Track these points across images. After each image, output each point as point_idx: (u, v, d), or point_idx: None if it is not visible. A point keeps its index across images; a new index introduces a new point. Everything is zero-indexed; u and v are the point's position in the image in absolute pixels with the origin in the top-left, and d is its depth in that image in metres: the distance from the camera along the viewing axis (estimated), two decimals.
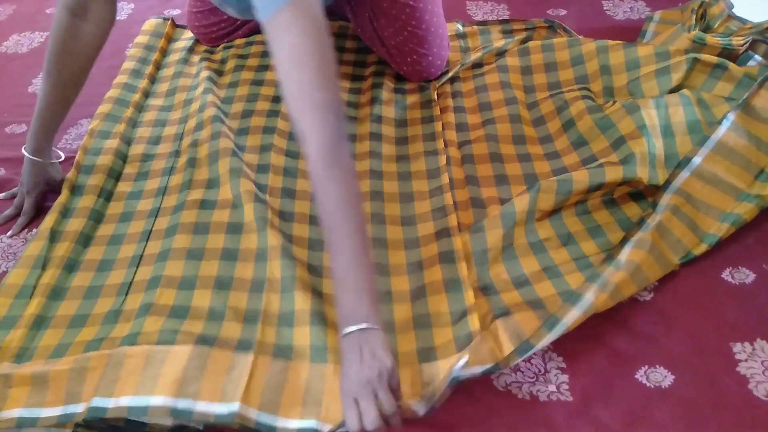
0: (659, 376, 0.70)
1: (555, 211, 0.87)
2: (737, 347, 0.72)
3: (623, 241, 0.79)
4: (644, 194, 0.88)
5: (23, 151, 0.94)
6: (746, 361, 0.71)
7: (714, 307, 0.76)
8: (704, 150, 0.85)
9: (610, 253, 0.78)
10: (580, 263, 0.80)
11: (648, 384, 0.69)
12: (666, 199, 0.82)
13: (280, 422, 0.66)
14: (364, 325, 0.62)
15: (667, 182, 0.84)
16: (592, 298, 0.71)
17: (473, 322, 0.72)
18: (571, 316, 0.69)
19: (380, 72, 1.15)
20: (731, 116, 0.86)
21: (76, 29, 0.87)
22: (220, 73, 1.19)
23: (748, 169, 0.85)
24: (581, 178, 0.86)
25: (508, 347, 0.68)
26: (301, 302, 0.75)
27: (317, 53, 0.66)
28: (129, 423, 0.66)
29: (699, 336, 0.73)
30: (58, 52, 0.88)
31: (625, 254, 0.76)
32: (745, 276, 0.79)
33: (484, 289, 0.78)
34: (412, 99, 1.10)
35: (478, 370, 0.66)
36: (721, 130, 0.86)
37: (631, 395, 0.68)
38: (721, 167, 0.84)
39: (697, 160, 0.85)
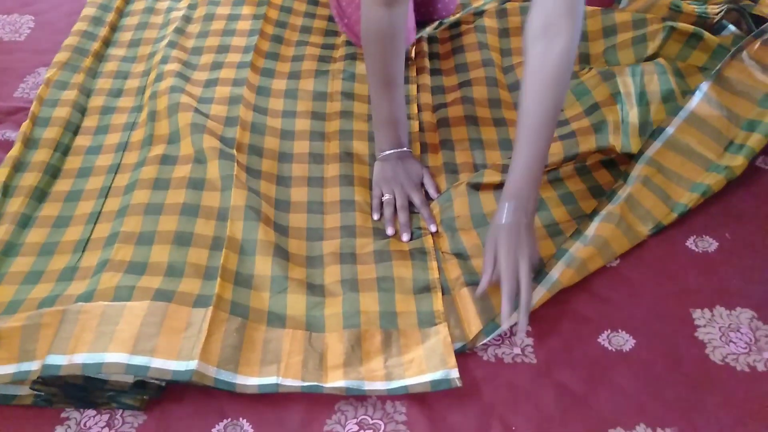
0: (621, 340, 0.71)
1: None
2: (697, 313, 0.74)
3: (592, 215, 0.80)
4: (617, 162, 0.89)
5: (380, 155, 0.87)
6: (705, 326, 0.72)
7: (676, 275, 0.77)
8: (677, 120, 0.85)
9: (578, 228, 0.79)
10: (550, 230, 0.81)
11: (610, 347, 0.71)
12: (637, 170, 0.83)
13: (240, 379, 0.65)
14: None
15: (640, 152, 0.84)
16: (557, 276, 0.73)
17: (437, 303, 0.73)
18: (537, 293, 0.72)
19: None
20: (704, 87, 0.86)
21: (395, 18, 0.79)
22: (188, 19, 1.13)
23: (719, 141, 0.85)
24: (556, 150, 0.85)
25: (476, 325, 0.70)
26: (262, 267, 0.74)
27: None
28: (88, 380, 0.65)
29: (660, 302, 0.75)
30: (386, 51, 0.81)
31: (592, 229, 0.77)
32: (709, 245, 0.81)
33: (457, 255, 0.77)
34: None
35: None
36: (694, 101, 0.86)
37: (593, 358, 0.70)
38: (692, 138, 0.85)
39: (669, 130, 0.85)
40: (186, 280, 0.72)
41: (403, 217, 0.82)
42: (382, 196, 0.84)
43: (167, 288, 0.71)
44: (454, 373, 0.66)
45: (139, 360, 0.64)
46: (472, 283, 0.73)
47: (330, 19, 1.16)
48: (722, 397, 0.66)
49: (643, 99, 0.89)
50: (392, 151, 0.86)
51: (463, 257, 0.77)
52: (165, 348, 0.65)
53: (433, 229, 0.80)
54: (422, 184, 0.86)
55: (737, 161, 0.83)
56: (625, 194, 0.80)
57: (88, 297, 0.69)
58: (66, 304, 0.69)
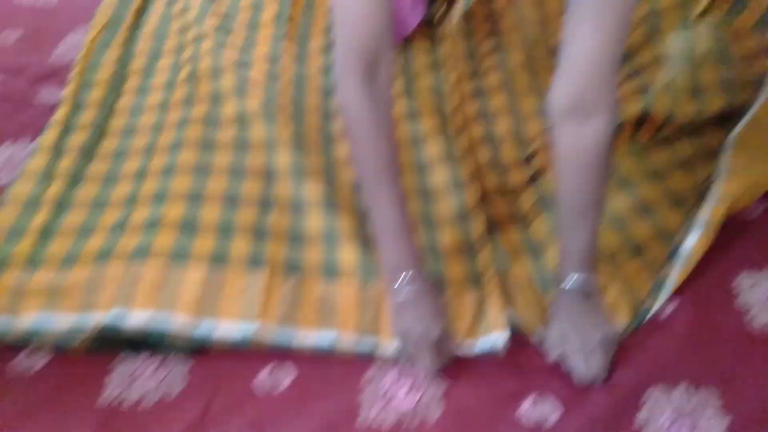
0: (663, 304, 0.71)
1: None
2: (741, 277, 0.73)
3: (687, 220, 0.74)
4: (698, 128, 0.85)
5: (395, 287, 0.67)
6: (750, 289, 0.71)
7: (721, 239, 0.76)
8: (762, 97, 0.79)
9: (674, 246, 0.72)
10: (640, 208, 0.78)
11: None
12: (728, 159, 0.76)
13: (298, 338, 0.66)
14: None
15: (728, 137, 0.78)
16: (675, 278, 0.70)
17: (484, 261, 0.72)
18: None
19: None
20: None
21: (376, 98, 0.62)
22: None
23: None
24: None
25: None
26: (314, 223, 0.75)
27: None
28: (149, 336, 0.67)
29: (704, 265, 0.73)
30: (376, 136, 0.63)
31: (689, 245, 0.71)
32: (755, 209, 0.79)
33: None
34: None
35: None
36: None
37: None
38: None
39: (754, 109, 0.78)
40: (238, 241, 0.73)
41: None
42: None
43: (221, 251, 0.72)
44: (502, 337, 0.66)
45: (205, 324, 0.66)
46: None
47: None
48: (763, 360, 0.66)
49: (691, 61, 0.87)
50: (407, 282, 0.66)
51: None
52: (227, 313, 0.67)
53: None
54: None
55: None
56: (721, 193, 0.73)
57: (144, 252, 0.71)
58: (123, 258, 0.71)
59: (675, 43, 0.89)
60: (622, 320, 0.68)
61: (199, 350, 0.67)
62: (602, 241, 0.74)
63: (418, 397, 0.64)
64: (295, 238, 0.75)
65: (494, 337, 0.66)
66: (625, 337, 0.67)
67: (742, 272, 0.73)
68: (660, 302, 0.68)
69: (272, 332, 0.66)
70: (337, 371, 0.66)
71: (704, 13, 0.94)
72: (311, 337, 0.67)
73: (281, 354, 0.67)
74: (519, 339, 0.67)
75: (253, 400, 0.64)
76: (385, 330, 0.67)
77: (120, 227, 0.76)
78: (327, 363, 0.67)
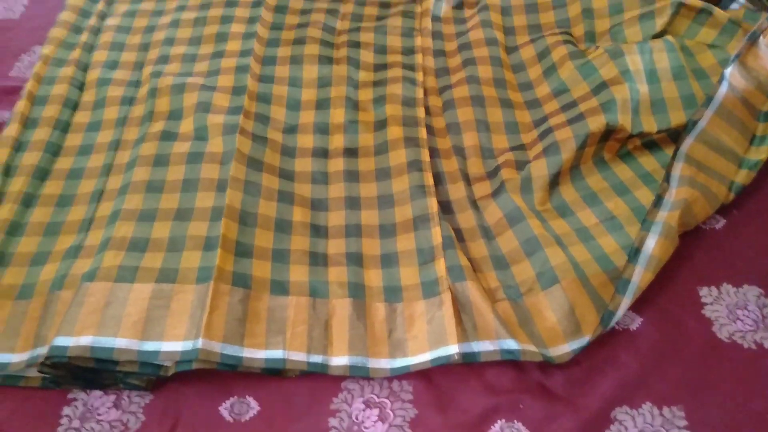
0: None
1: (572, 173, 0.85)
2: (704, 291, 0.73)
3: (645, 224, 0.73)
4: (658, 143, 0.86)
5: None
6: (712, 304, 0.72)
7: (683, 252, 0.77)
8: (708, 112, 0.80)
9: (633, 248, 0.72)
10: (608, 224, 0.78)
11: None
12: (678, 169, 0.77)
13: (247, 353, 0.65)
14: None
15: (676, 148, 0.79)
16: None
17: (440, 269, 0.72)
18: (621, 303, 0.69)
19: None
20: (727, 74, 0.80)
21: None
22: None
23: (745, 134, 0.82)
24: (566, 136, 0.84)
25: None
26: (264, 238, 0.74)
27: None
28: (98, 362, 0.64)
29: (667, 280, 0.74)
30: None
31: (650, 246, 0.71)
32: (716, 221, 0.80)
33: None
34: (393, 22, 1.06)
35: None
36: (722, 91, 0.80)
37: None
38: (722, 132, 0.80)
39: (702, 123, 0.79)
40: (187, 254, 0.72)
41: None
42: None
43: (169, 266, 0.70)
44: (453, 349, 0.65)
45: (149, 345, 0.64)
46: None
47: None
48: (729, 375, 0.66)
49: (653, 77, 0.88)
50: None
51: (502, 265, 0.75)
52: (173, 330, 0.65)
53: None
54: None
55: (761, 154, 0.80)
56: (673, 199, 0.74)
57: (91, 276, 0.69)
58: (74, 286, 0.69)
59: (636, 59, 0.90)
60: (590, 331, 0.68)
61: (155, 383, 0.65)
62: (570, 253, 0.74)
63: (386, 427, 0.63)
64: (244, 251, 0.73)
65: (448, 349, 0.65)
66: (592, 347, 0.67)
67: (706, 285, 0.74)
68: (624, 306, 0.68)
69: (217, 349, 0.64)
70: (301, 402, 0.65)
71: (664, 31, 0.95)
72: (259, 354, 0.65)
73: (242, 386, 0.65)
74: None
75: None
76: (335, 347, 0.66)
77: (73, 253, 0.74)
78: (288, 399, 0.65)
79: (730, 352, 0.68)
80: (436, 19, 1.08)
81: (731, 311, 0.71)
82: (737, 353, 0.68)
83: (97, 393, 0.65)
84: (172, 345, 0.64)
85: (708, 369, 0.67)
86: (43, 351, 0.64)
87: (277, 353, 0.65)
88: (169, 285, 0.68)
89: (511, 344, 0.66)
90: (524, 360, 0.66)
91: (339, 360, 0.66)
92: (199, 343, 0.63)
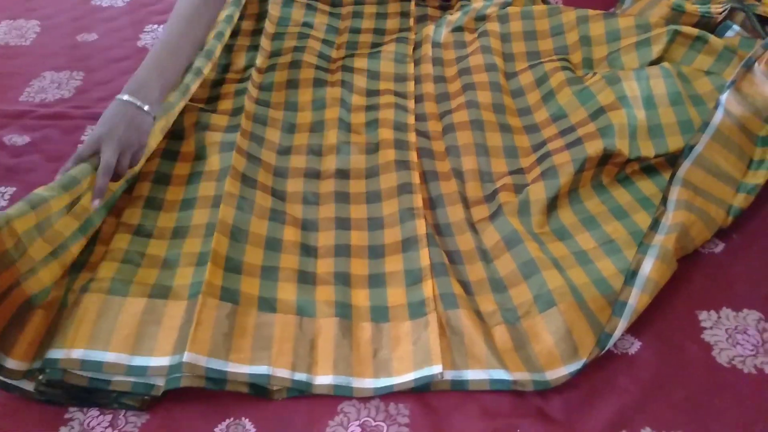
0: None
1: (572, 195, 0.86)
2: (703, 315, 0.73)
3: (642, 247, 0.73)
4: (656, 168, 0.86)
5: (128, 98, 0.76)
6: (711, 328, 0.72)
7: (682, 276, 0.77)
8: (705, 137, 0.80)
9: (630, 271, 0.71)
10: (606, 248, 0.78)
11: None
12: (675, 193, 0.77)
13: (231, 367, 0.65)
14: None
15: (673, 173, 0.79)
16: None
17: (427, 290, 0.72)
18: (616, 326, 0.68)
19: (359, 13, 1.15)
20: (723, 100, 0.82)
21: None
22: None
23: (742, 158, 0.83)
24: (564, 160, 0.84)
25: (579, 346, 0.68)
26: (253, 256, 0.75)
27: None
28: (91, 381, 0.65)
29: (666, 304, 0.74)
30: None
31: (647, 268, 0.71)
32: (715, 245, 0.80)
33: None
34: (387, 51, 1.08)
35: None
36: (718, 116, 0.81)
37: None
38: (719, 156, 0.81)
39: (698, 148, 0.80)
40: (180, 271, 0.73)
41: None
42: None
43: (163, 283, 0.71)
44: (437, 369, 0.65)
45: (138, 360, 0.64)
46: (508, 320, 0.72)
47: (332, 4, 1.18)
48: (729, 399, 0.65)
49: (650, 102, 0.89)
50: (119, 101, 0.76)
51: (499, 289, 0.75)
52: (162, 345, 0.65)
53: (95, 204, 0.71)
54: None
55: (759, 178, 0.81)
56: (670, 222, 0.74)
57: (85, 287, 0.70)
58: (75, 297, 0.70)
59: (634, 86, 0.91)
60: (587, 354, 0.67)
61: (149, 404, 0.65)
62: (568, 276, 0.74)
63: None
64: (233, 266, 0.74)
65: (432, 369, 0.65)
66: (591, 371, 0.67)
67: (705, 309, 0.73)
68: (621, 328, 0.67)
69: (202, 363, 0.64)
70: (297, 424, 0.64)
71: (661, 58, 0.96)
72: (243, 369, 0.65)
73: (238, 408, 0.65)
74: None
75: None
76: (319, 366, 0.67)
77: (78, 266, 0.75)
78: (284, 422, 0.65)
79: (730, 377, 0.67)
80: (436, 45, 1.10)
81: (731, 335, 0.71)
82: (737, 378, 0.67)
83: (94, 412, 0.65)
84: (160, 360, 0.64)
85: (708, 394, 0.66)
86: (37, 364, 0.65)
87: (261, 369, 0.65)
88: (162, 301, 0.69)
89: (501, 374, 0.66)
90: (515, 390, 0.66)
91: (323, 379, 0.66)
92: (185, 356, 0.64)
